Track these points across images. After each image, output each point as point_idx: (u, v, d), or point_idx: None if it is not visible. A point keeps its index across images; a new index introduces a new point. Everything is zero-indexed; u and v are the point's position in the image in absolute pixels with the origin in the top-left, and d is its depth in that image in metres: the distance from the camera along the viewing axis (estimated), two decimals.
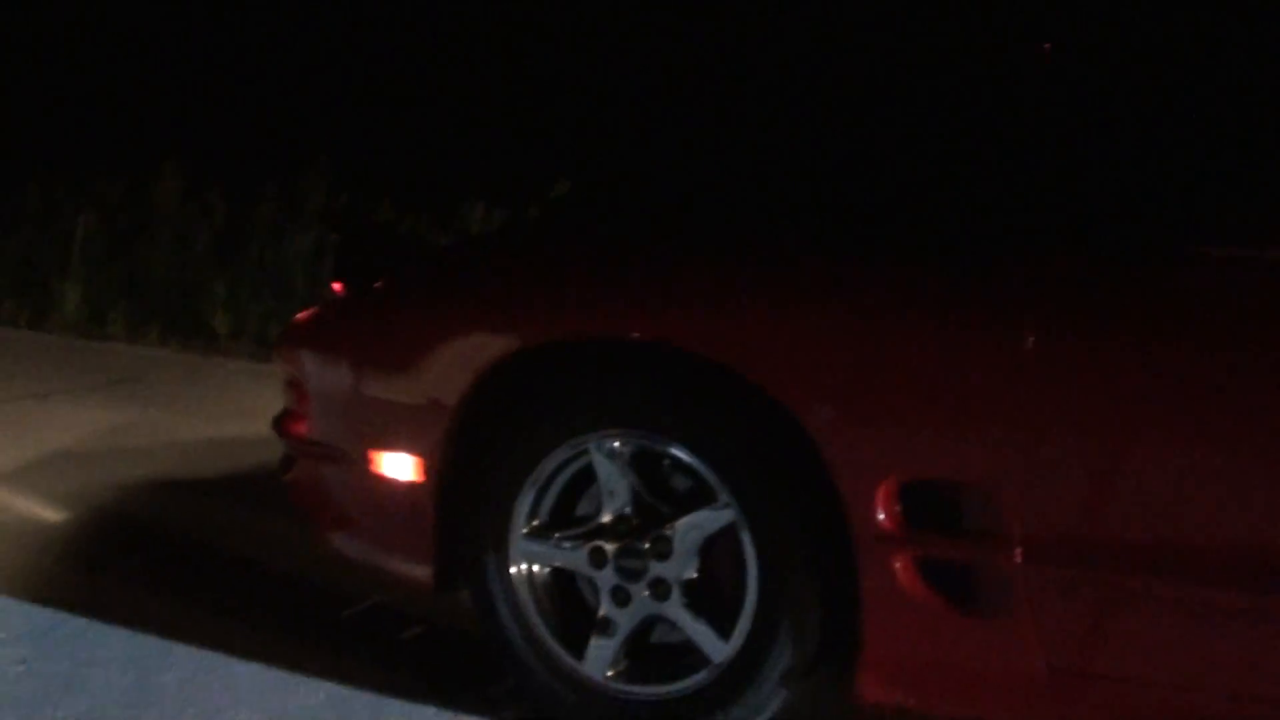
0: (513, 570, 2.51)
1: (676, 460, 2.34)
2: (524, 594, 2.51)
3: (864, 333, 2.13)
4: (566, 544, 2.46)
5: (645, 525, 2.38)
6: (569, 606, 2.53)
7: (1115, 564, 1.97)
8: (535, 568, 2.52)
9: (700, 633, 2.33)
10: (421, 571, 2.63)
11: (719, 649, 2.31)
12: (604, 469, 2.40)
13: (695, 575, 2.34)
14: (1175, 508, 1.92)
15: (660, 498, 2.39)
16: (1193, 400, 1.91)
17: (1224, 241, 1.97)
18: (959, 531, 2.08)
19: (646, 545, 2.36)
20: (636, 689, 2.41)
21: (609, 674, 2.43)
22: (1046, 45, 2.46)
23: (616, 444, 2.38)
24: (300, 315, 3.05)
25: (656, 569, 2.36)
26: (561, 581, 2.54)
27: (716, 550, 2.34)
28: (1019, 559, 2.02)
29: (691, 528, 2.33)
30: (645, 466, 2.40)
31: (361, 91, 11.58)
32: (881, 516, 2.11)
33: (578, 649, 2.46)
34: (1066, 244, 2.05)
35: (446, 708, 2.59)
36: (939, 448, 2.06)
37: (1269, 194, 2.03)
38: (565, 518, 2.51)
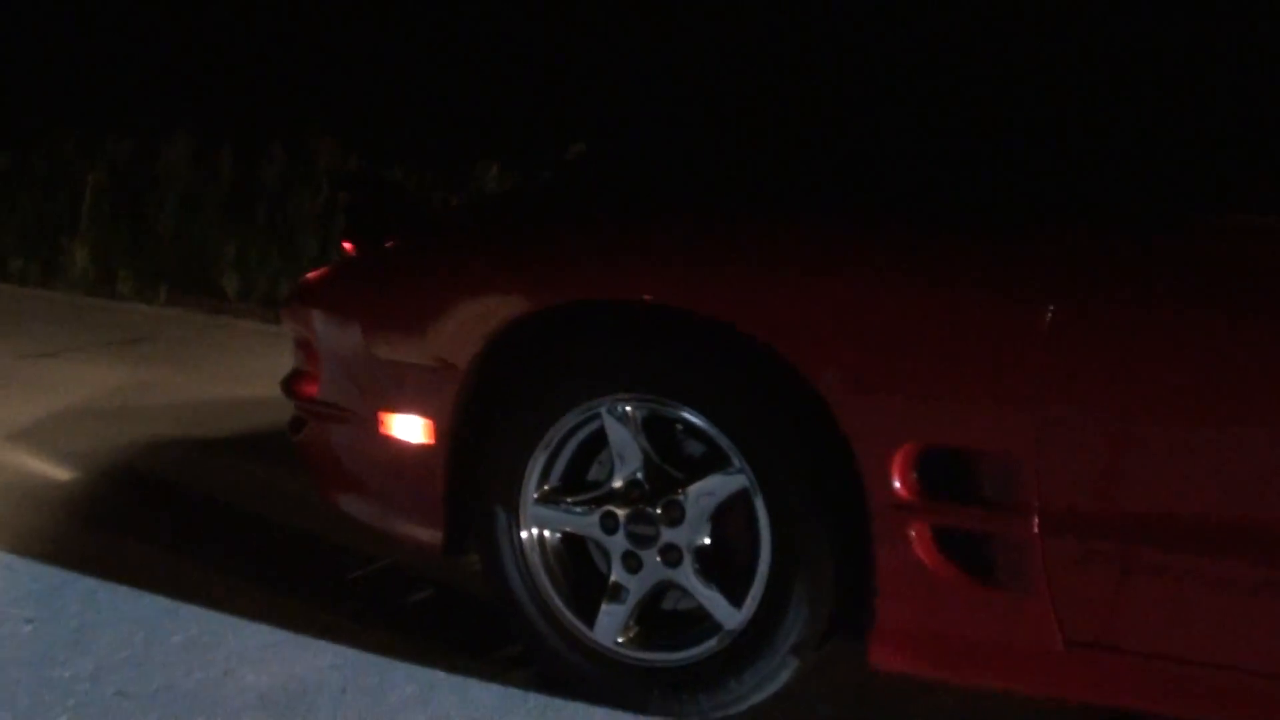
0: (523, 535, 2.49)
1: (689, 425, 2.32)
2: (535, 559, 2.50)
3: (882, 299, 2.10)
4: (578, 509, 2.44)
5: (657, 490, 2.36)
6: (580, 572, 2.52)
7: (1133, 536, 1.95)
8: (546, 533, 2.50)
9: (712, 600, 2.32)
10: (430, 535, 2.61)
11: (731, 616, 2.30)
12: (616, 433, 2.38)
13: (708, 541, 2.33)
14: (1194, 479, 1.91)
15: (672, 463, 2.37)
16: (1212, 370, 1.89)
17: (1242, 210, 1.95)
18: (976, 501, 2.06)
19: (658, 510, 2.35)
20: (647, 655, 2.40)
21: (619, 640, 2.42)
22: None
23: (629, 408, 2.35)
24: (310, 275, 3.03)
25: (668, 535, 2.34)
26: (572, 547, 2.53)
27: (729, 517, 2.33)
28: (1036, 529, 2.01)
29: (704, 493, 2.31)
30: (657, 431, 2.38)
31: (372, 51, 11.52)
32: (898, 484, 2.09)
33: (588, 615, 2.44)
34: (1087, 212, 2.03)
35: (455, 671, 2.58)
36: (957, 416, 2.04)
37: None
38: (577, 483, 2.50)
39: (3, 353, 5.25)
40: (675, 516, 2.34)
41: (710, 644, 2.33)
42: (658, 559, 2.36)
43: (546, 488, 2.48)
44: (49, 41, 12.30)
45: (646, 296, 2.30)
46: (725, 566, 2.34)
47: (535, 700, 2.47)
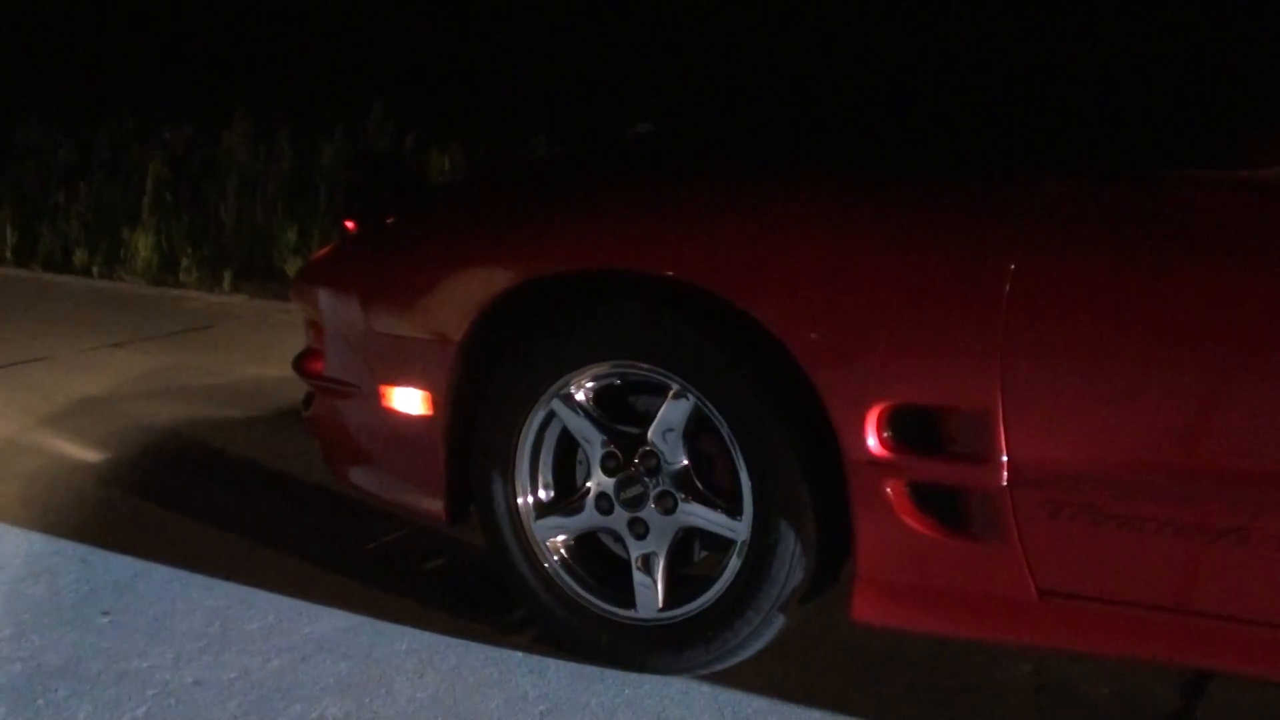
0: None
1: (630, 381, 2.40)
2: (557, 569, 2.55)
3: (849, 257, 2.13)
4: (574, 509, 2.52)
5: (627, 452, 2.44)
6: (598, 563, 2.58)
7: (1098, 486, 1.98)
8: (560, 545, 2.56)
9: (717, 521, 2.38)
10: (433, 505, 2.67)
11: (738, 529, 2.35)
12: (572, 421, 2.47)
13: (685, 462, 2.39)
14: (1159, 429, 1.93)
15: (628, 423, 2.45)
16: (1176, 321, 1.91)
17: (1207, 164, 1.97)
18: (947, 455, 2.09)
19: (636, 462, 2.42)
20: (689, 607, 2.44)
21: (660, 608, 2.46)
22: None
23: (571, 390, 2.45)
24: (316, 254, 3.08)
25: (655, 486, 2.42)
26: (583, 542, 2.58)
27: (710, 452, 2.39)
28: (1005, 482, 2.04)
29: (664, 428, 2.38)
30: (608, 403, 2.47)
31: (426, 28, 11.53)
32: (871, 442, 2.13)
33: (622, 598, 2.49)
34: (1051, 168, 2.06)
35: (531, 651, 2.57)
36: (925, 374, 2.07)
37: (1252, 116, 2.07)
38: (567, 490, 2.57)
39: (72, 346, 5.31)
40: (653, 465, 2.41)
41: (734, 563, 2.37)
42: (655, 508, 2.42)
43: (542, 499, 2.56)
44: (105, 30, 12.41)
45: (613, 264, 2.34)
46: (722, 494, 2.39)
47: (611, 677, 2.47)
